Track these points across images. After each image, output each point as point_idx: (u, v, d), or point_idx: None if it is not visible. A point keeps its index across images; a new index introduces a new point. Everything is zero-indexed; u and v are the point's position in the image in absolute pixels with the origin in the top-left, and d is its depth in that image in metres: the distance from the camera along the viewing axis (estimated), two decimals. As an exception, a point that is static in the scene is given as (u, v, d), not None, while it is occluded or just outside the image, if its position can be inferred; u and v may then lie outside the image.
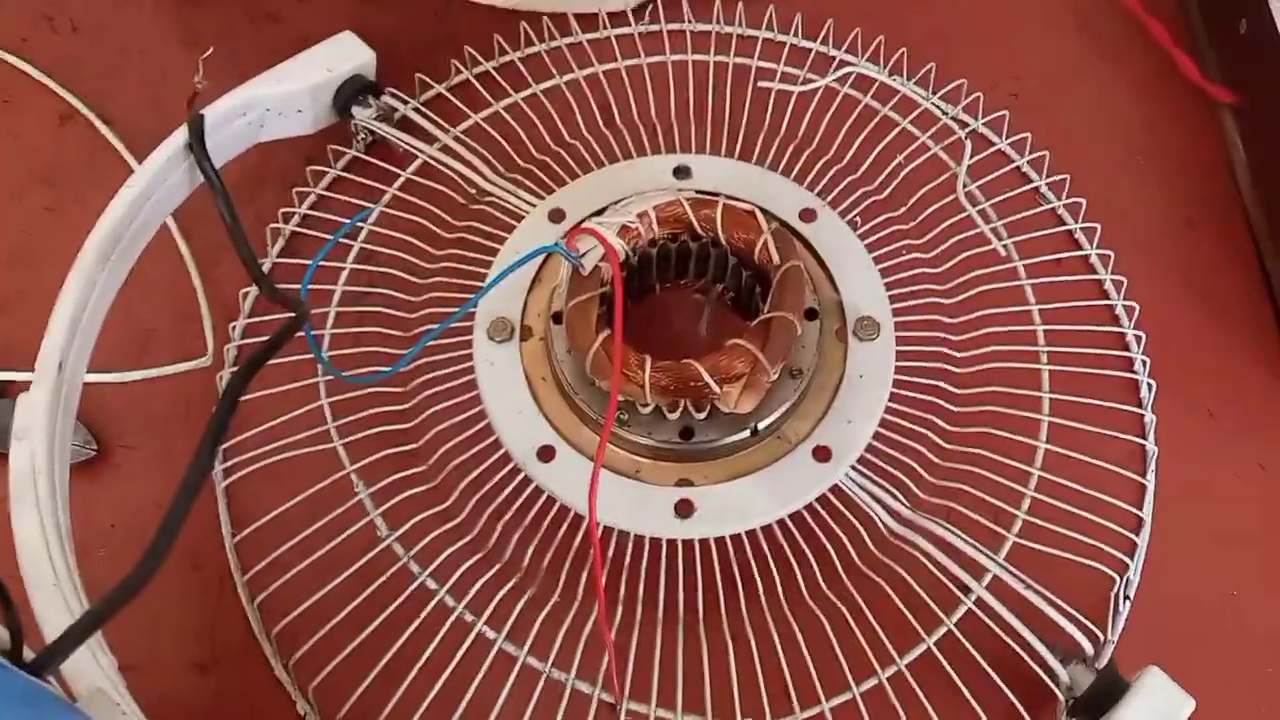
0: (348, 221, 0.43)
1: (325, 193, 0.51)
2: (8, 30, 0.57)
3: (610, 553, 0.41)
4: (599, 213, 0.44)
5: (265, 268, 0.49)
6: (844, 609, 0.40)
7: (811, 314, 0.42)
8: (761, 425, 0.41)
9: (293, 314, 0.41)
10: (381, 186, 0.49)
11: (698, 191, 0.44)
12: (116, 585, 0.30)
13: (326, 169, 0.51)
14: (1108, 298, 0.48)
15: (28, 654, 0.28)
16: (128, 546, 0.44)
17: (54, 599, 0.34)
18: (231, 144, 0.48)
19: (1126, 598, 0.42)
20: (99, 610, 0.29)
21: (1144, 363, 0.47)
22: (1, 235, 0.51)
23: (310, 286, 0.44)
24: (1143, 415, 0.46)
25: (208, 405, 0.46)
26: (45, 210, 0.52)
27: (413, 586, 0.41)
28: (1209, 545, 0.44)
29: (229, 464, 0.45)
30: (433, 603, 0.41)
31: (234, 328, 0.48)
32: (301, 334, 0.41)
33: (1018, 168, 0.51)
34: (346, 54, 0.50)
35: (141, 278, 0.45)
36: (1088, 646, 0.39)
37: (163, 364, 0.46)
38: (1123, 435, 0.45)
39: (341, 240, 0.47)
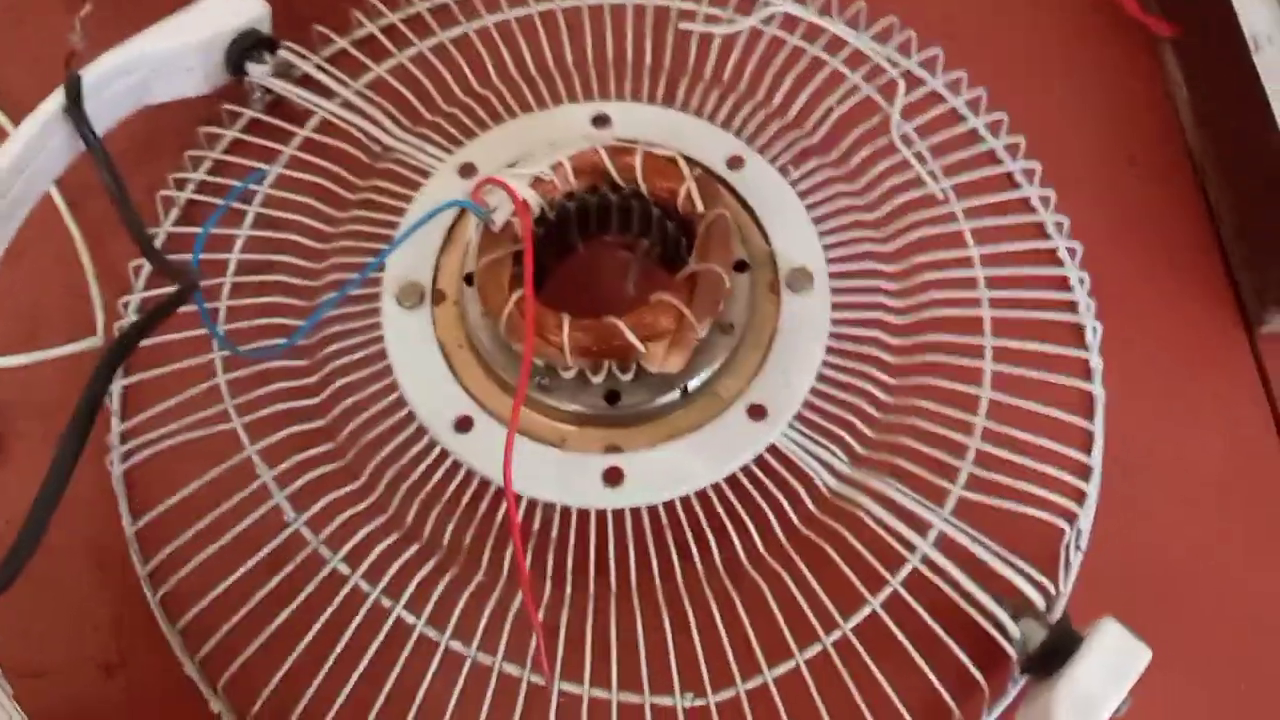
0: (238, 185, 0.40)
1: (223, 157, 0.47)
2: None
3: (535, 527, 0.38)
4: (512, 166, 0.41)
5: (158, 240, 0.45)
6: (785, 574, 0.38)
7: (741, 266, 0.40)
8: (692, 385, 0.39)
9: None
10: (281, 147, 0.46)
11: (617, 140, 0.41)
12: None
13: (223, 131, 0.47)
14: (1049, 239, 0.46)
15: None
16: (22, 543, 0.41)
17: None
18: (115, 106, 0.44)
19: (1078, 548, 0.41)
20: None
21: (1089, 305, 0.45)
22: None
23: (204, 256, 0.41)
24: (1088, 359, 0.44)
25: (103, 387, 0.43)
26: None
27: (324, 572, 0.38)
28: (1161, 492, 0.42)
29: (126, 448, 0.42)
30: (346, 588, 0.38)
31: (125, 304, 0.44)
32: (192, 307, 0.38)
33: (953, 109, 0.48)
34: (238, 7, 0.46)
35: (27, 257, 0.42)
36: (1039, 600, 0.38)
37: (53, 346, 0.43)
38: (1069, 381, 0.43)
39: (236, 206, 0.44)
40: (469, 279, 0.40)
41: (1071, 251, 0.46)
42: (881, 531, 0.38)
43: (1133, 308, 0.45)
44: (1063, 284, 0.46)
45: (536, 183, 0.39)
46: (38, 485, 0.41)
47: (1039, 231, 0.46)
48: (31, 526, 0.28)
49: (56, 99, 0.42)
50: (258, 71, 0.46)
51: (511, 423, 0.34)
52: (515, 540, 0.33)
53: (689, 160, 0.40)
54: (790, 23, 0.49)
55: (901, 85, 0.45)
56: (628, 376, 0.38)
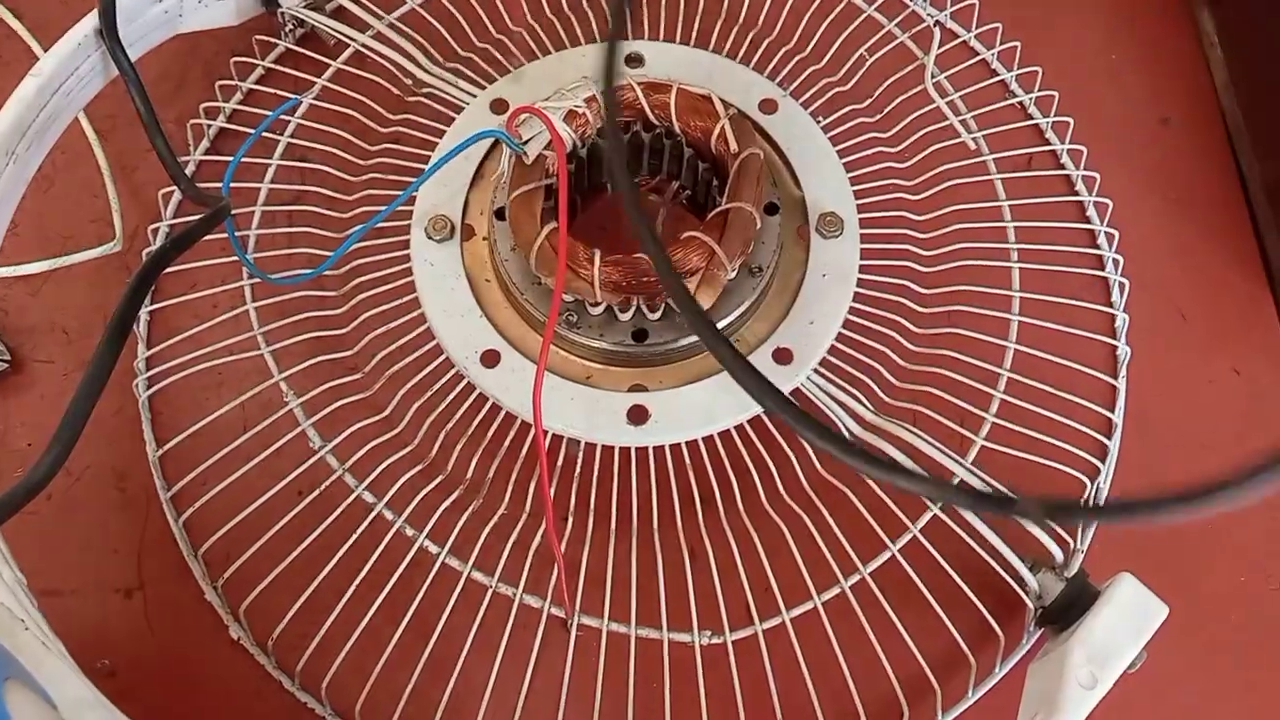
0: (270, 114, 0.40)
1: (254, 87, 0.47)
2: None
3: (559, 462, 0.38)
4: (546, 100, 0.41)
5: (188, 168, 0.45)
6: (806, 518, 0.38)
7: (772, 209, 0.40)
8: (719, 326, 0.39)
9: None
10: (313, 79, 0.46)
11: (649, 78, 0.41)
12: (12, 488, 0.27)
13: (254, 61, 0.47)
14: (1079, 195, 0.46)
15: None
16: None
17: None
18: (148, 33, 0.44)
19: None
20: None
21: (1116, 262, 0.45)
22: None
23: (235, 185, 0.40)
24: (1114, 315, 0.44)
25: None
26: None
27: (348, 500, 0.38)
28: (1182, 450, 0.42)
29: (151, 373, 0.42)
30: (370, 516, 0.38)
31: (154, 229, 0.44)
32: (222, 234, 0.38)
33: (985, 61, 0.48)
34: (272, -65, 0.46)
35: (58, 183, 0.42)
36: (1057, 553, 0.38)
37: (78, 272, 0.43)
38: (1094, 335, 0.43)
39: (267, 135, 0.43)
40: (500, 213, 0.39)
41: (1101, 207, 0.46)
42: (904, 478, 0.38)
43: (1160, 266, 0.45)
44: (1091, 240, 0.45)
45: (570, 116, 0.39)
46: (56, 408, 0.42)
47: (1069, 187, 0.46)
48: (64, 434, 0.28)
49: (90, 21, 0.41)
50: (290, 2, 0.46)
51: (540, 357, 0.34)
52: (543, 474, 0.33)
53: (723, 101, 0.40)
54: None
55: (937, 34, 0.45)
56: (655, 315, 0.38)
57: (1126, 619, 0.36)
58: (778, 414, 0.29)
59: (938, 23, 0.47)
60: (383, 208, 0.41)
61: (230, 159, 0.45)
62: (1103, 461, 0.41)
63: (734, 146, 0.39)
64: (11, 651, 0.26)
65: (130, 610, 0.40)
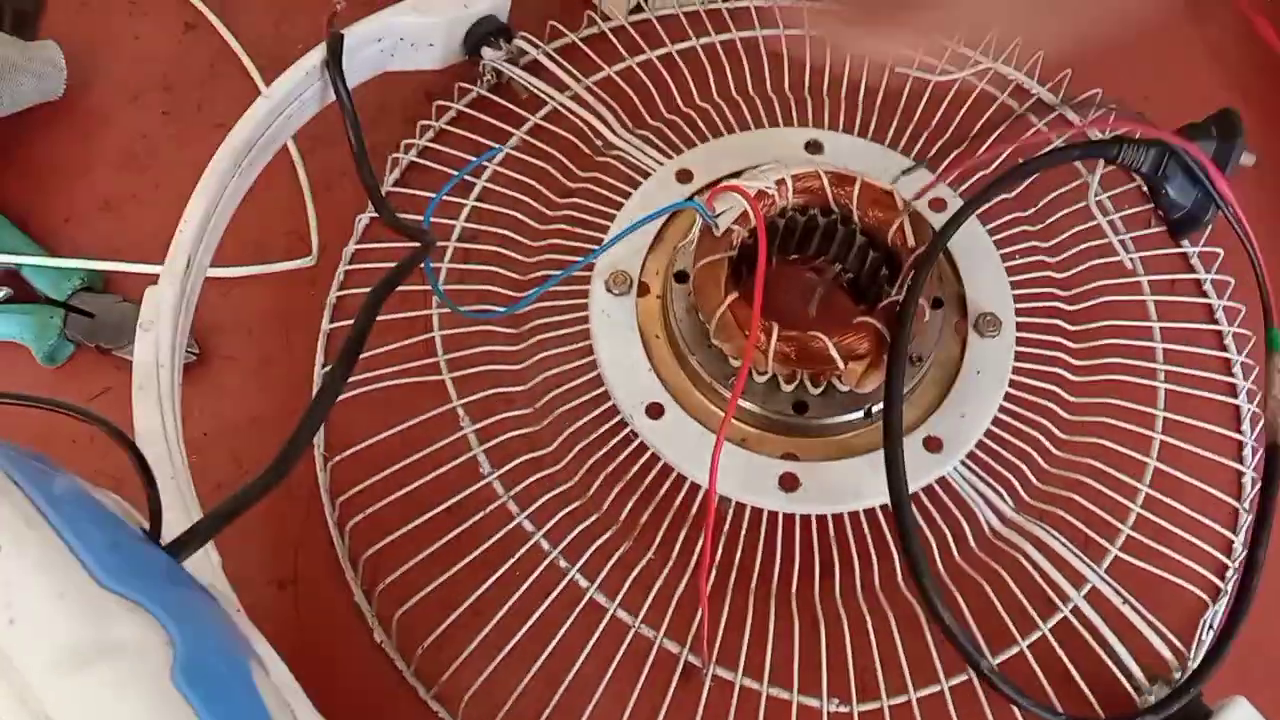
0: (474, 159, 0.43)
1: (446, 127, 0.50)
2: (140, -65, 0.56)
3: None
4: (731, 176, 0.44)
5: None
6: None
7: (937, 303, 0.42)
8: (875, 408, 0.41)
9: (416, 243, 0.41)
10: (505, 128, 0.49)
11: (832, 166, 0.43)
12: (254, 480, 0.30)
13: (450, 104, 0.50)
14: (1219, 324, 0.48)
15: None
16: (218, 456, 0.44)
17: (170, 491, 0.34)
18: (362, 68, 0.47)
19: (1212, 628, 0.42)
20: (234, 502, 0.29)
21: (1249, 392, 0.46)
22: (117, 136, 0.51)
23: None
24: (1243, 443, 0.45)
25: (307, 323, 0.47)
26: (162, 114, 0.52)
27: (509, 526, 0.41)
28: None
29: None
30: (527, 545, 0.40)
31: (347, 251, 0.47)
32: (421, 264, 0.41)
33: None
34: (483, -9, 0.50)
35: (256, 197, 0.45)
36: (1175, 667, 0.39)
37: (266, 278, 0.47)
38: (1226, 461, 0.44)
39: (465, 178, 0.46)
40: (679, 276, 0.42)
41: (1241, 340, 0.47)
42: (1038, 577, 0.40)
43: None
44: (1228, 368, 0.47)
45: (759, 195, 0.41)
46: (234, 401, 0.45)
47: (1211, 315, 0.48)
48: (292, 448, 0.31)
49: (318, 53, 0.45)
50: (492, 55, 0.49)
51: (721, 426, 0.37)
52: (708, 533, 0.35)
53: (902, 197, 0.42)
54: (999, 81, 0.51)
55: (1101, 161, 0.47)
56: (817, 390, 0.40)
57: (1236, 741, 0.37)
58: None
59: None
60: (564, 256, 0.44)
61: (415, 192, 0.48)
62: (1223, 581, 0.42)
63: (911, 241, 0.41)
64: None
65: (283, 601, 0.42)
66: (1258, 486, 0.44)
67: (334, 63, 0.45)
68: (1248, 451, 0.45)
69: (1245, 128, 0.44)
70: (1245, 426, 0.46)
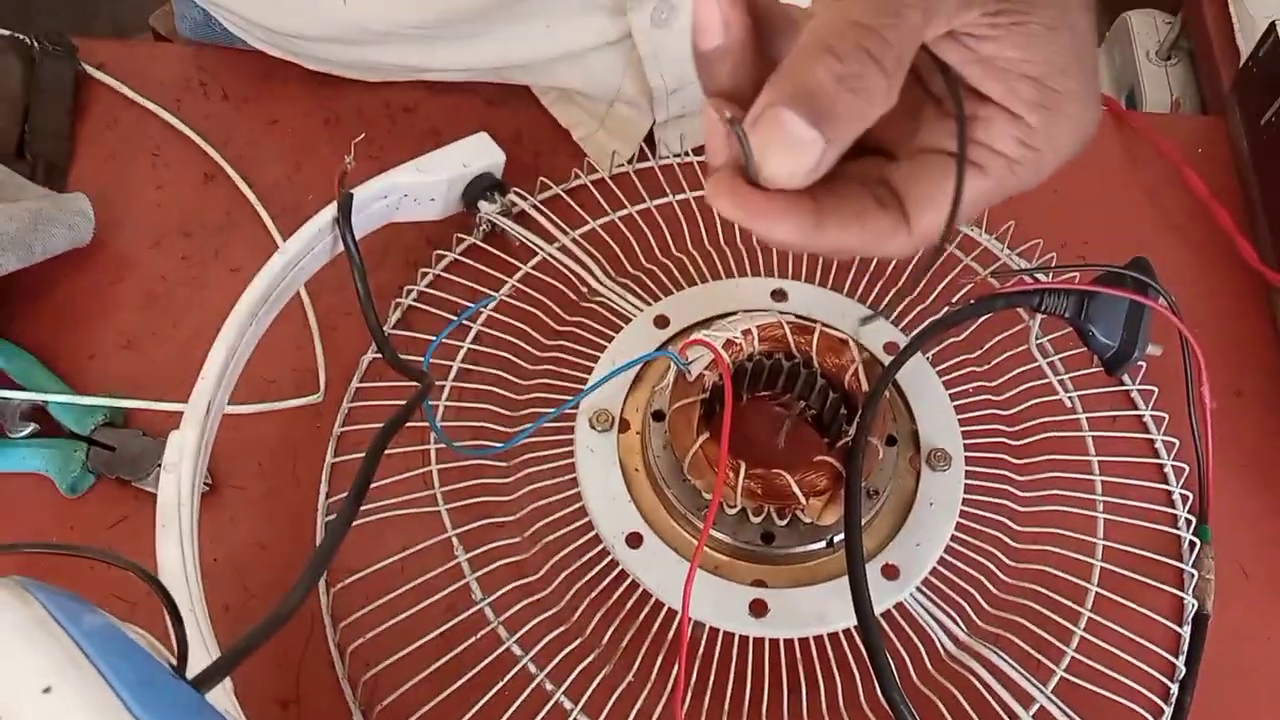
0: (471, 306, 0.47)
1: (443, 274, 0.55)
2: (165, 92, 0.61)
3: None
4: (703, 324, 0.48)
5: (383, 337, 0.52)
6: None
7: (890, 440, 0.46)
8: (837, 538, 0.44)
9: (417, 383, 0.45)
10: (497, 275, 0.54)
11: (796, 316, 0.48)
12: (271, 615, 0.33)
13: (448, 252, 0.55)
14: (1159, 458, 0.52)
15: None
16: (226, 581, 0.47)
17: (190, 623, 0.37)
18: (369, 222, 0.52)
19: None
20: (255, 636, 0.32)
21: (1188, 521, 0.50)
22: (138, 278, 0.55)
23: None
24: (1182, 570, 0.49)
25: (313, 455, 0.50)
26: (181, 259, 0.56)
27: (499, 651, 0.44)
28: (1248, 699, 0.46)
29: (331, 517, 0.48)
30: (516, 668, 0.43)
31: (351, 388, 0.51)
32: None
33: (1083, 325, 0.55)
34: (482, 153, 0.54)
35: (266, 336, 0.49)
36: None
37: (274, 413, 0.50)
38: (1165, 588, 0.48)
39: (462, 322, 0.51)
40: (657, 415, 0.46)
41: (1178, 470, 0.51)
42: (989, 698, 0.43)
43: (1230, 527, 0.50)
44: (1168, 499, 0.51)
45: (728, 344, 0.46)
46: (241, 532, 0.48)
47: (1150, 449, 0.52)
48: (303, 585, 0.34)
49: (330, 211, 0.49)
50: (488, 208, 0.54)
51: (694, 557, 0.40)
52: (681, 658, 0.39)
53: (855, 342, 0.47)
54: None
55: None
56: (783, 522, 0.44)
57: None
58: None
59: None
60: (552, 395, 0.48)
61: (413, 334, 0.52)
62: (1167, 704, 0.46)
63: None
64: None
65: (285, 720, 0.45)
66: (1193, 610, 0.48)
67: (344, 219, 0.49)
68: (1189, 575, 0.49)
69: (1166, 267, 0.48)
70: (1184, 551, 0.50)
